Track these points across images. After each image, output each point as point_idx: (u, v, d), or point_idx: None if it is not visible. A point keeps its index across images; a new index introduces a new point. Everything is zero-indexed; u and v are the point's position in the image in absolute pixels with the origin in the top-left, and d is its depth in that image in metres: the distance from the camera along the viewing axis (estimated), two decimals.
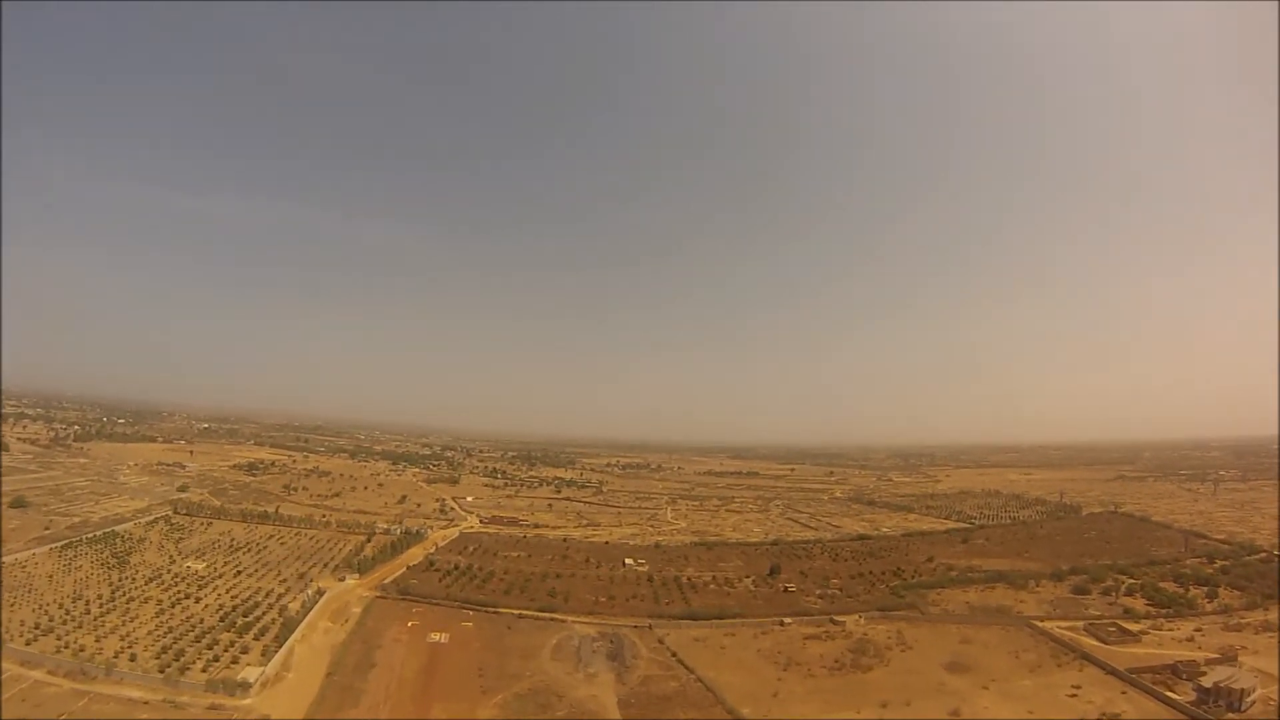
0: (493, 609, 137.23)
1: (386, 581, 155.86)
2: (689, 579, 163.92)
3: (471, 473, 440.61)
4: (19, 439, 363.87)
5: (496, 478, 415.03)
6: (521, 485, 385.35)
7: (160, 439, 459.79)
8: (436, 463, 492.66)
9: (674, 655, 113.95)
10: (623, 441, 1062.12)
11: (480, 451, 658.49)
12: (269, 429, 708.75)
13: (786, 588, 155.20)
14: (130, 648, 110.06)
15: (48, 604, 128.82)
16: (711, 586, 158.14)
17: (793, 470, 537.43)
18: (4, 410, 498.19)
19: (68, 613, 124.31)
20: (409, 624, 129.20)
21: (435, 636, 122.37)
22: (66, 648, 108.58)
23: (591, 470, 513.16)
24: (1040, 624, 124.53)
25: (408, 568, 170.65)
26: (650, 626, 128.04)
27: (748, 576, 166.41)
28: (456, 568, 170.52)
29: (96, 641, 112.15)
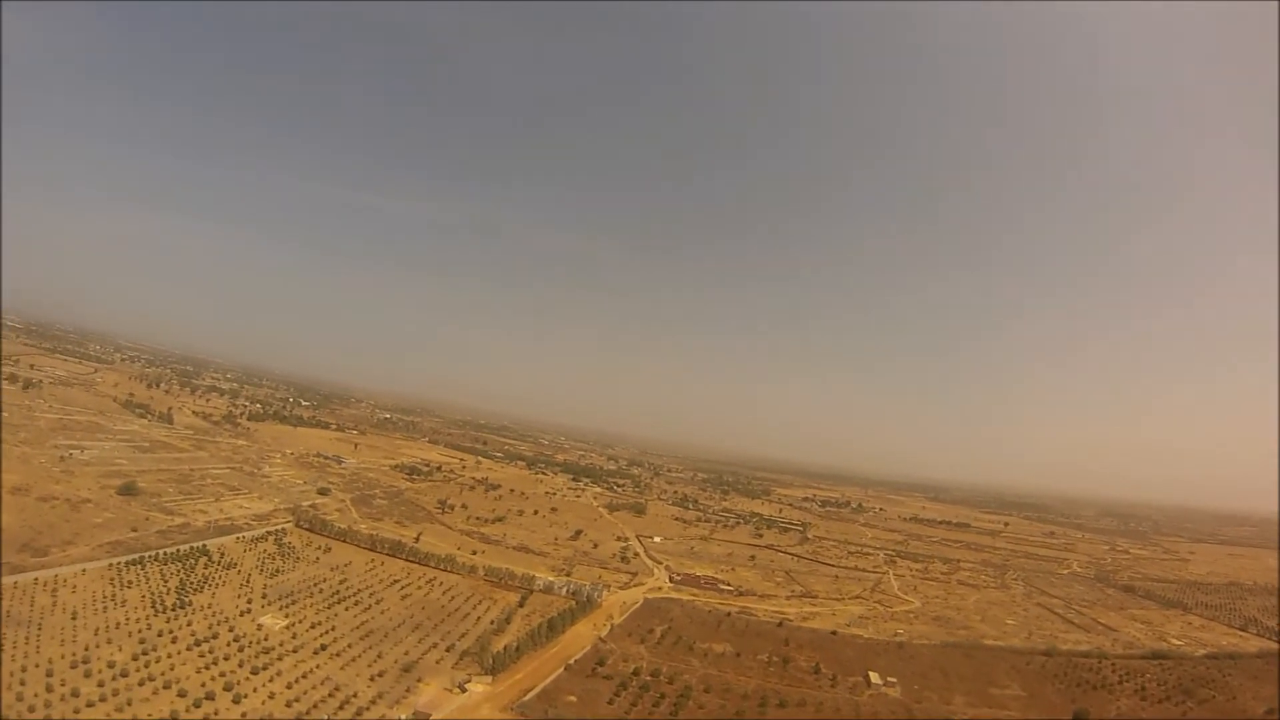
0: None
1: (530, 696, 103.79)
2: None
3: (659, 498, 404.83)
4: (192, 413, 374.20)
5: (687, 508, 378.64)
6: (716, 522, 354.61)
7: (334, 425, 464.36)
8: (621, 481, 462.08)
9: None
10: (810, 466, 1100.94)
11: (668, 470, 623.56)
12: (450, 424, 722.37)
13: None
14: None
15: (35, 663, 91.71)
16: None
17: (1006, 525, 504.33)
18: (201, 382, 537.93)
19: (50, 689, 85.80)
20: None
21: None
22: None
23: (788, 504, 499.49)
24: None
25: (566, 667, 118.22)
26: None
27: None
28: (636, 674, 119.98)
29: None
